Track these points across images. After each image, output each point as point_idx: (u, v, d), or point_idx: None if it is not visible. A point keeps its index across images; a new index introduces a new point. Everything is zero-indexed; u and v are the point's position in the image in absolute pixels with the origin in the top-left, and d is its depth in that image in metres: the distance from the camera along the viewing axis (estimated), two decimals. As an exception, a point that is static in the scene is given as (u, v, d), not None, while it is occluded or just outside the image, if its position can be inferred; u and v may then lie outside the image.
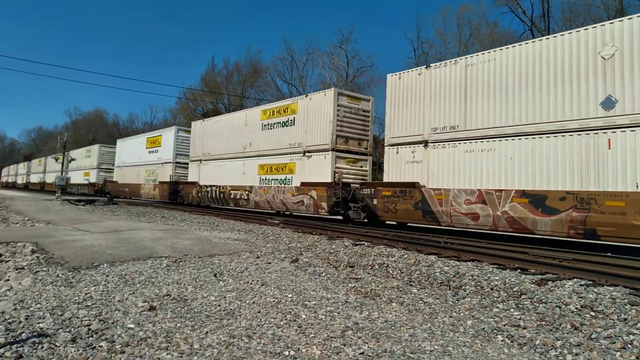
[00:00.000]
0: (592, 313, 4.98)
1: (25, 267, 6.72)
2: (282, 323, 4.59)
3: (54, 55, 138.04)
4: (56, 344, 3.75)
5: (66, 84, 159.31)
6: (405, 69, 13.19)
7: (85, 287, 5.73)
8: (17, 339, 3.78)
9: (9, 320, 4.27)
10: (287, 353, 3.78)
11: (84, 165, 41.69)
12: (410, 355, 3.83)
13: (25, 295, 5.23)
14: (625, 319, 4.72)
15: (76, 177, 43.22)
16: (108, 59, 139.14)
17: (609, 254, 8.44)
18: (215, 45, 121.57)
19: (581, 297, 5.42)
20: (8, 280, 6.16)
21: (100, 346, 3.75)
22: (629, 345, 4.12)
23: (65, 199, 24.87)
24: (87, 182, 40.59)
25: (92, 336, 3.98)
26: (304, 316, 4.83)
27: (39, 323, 4.24)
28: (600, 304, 5.16)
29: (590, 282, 6.16)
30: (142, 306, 4.94)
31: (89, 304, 4.94)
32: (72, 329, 4.11)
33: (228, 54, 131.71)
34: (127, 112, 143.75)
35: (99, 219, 15.08)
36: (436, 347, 4.09)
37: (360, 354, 3.81)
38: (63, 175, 29.97)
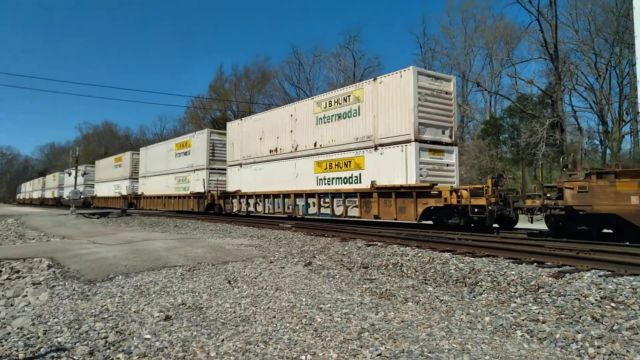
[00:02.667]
0: (613, 304, 4.89)
1: (42, 282, 6.79)
2: (297, 327, 4.58)
3: (63, 72, 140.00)
4: (74, 357, 3.77)
5: (76, 99, 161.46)
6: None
7: (101, 299, 5.77)
8: (36, 354, 3.81)
9: (28, 336, 4.31)
10: (303, 357, 3.77)
11: (286, 150, 19.29)
12: (429, 354, 3.79)
13: (42, 310, 5.28)
14: (647, 309, 4.62)
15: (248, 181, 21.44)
16: (116, 73, 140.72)
17: (627, 243, 8.30)
18: (223, 54, 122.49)
19: (600, 288, 5.33)
20: (26, 295, 6.23)
21: (118, 358, 3.77)
22: (652, 336, 4.03)
23: (80, 213, 25.17)
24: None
25: (109, 348, 4.00)
26: (319, 319, 4.81)
27: (56, 337, 4.27)
28: (621, 295, 5.06)
29: (609, 273, 6.04)
30: (157, 316, 4.96)
31: (106, 316, 4.98)
32: (90, 342, 4.13)
33: (236, 62, 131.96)
34: (137, 124, 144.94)
35: (113, 231, 15.22)
36: (454, 345, 4.04)
37: (377, 355, 3.78)
38: (77, 190, 30.34)
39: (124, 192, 35.15)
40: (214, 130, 25.58)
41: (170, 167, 28.09)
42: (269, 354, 3.85)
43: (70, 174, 39.62)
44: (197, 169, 24.75)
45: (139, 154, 34.04)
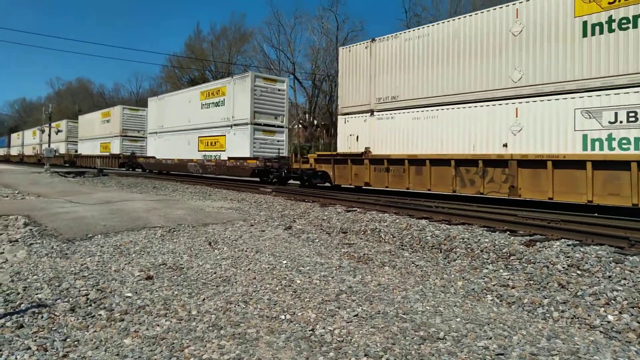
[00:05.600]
0: (579, 272, 5.14)
1: (19, 240, 6.72)
2: (277, 288, 4.69)
3: (33, 24, 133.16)
4: (55, 313, 3.81)
5: (47, 52, 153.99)
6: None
7: (81, 258, 5.77)
8: (17, 310, 3.83)
9: (7, 292, 4.31)
10: (283, 317, 3.88)
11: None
12: (403, 316, 3.95)
13: (21, 267, 5.26)
14: (609, 277, 4.88)
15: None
16: (89, 27, 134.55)
17: (596, 214, 8.63)
18: (199, 11, 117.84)
19: (568, 257, 5.58)
20: (2, 252, 6.17)
21: (100, 315, 3.82)
22: (612, 301, 4.28)
23: (55, 171, 24.64)
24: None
25: (90, 305, 4.04)
26: (298, 281, 4.93)
27: (37, 294, 4.28)
28: (587, 263, 5.32)
29: (577, 242, 6.31)
30: (138, 275, 5.01)
31: (86, 274, 4.99)
32: (71, 299, 4.16)
33: (213, 19, 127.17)
34: (111, 82, 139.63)
35: (90, 190, 15.01)
36: (428, 307, 4.22)
37: (354, 316, 3.92)
38: (51, 147, 29.58)
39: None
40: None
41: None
42: (249, 313, 3.96)
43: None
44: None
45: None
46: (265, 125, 19.11)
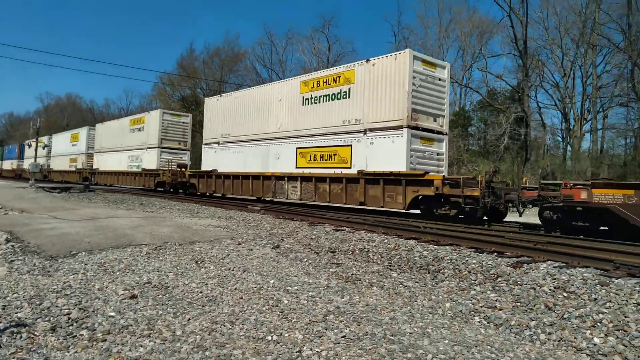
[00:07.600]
0: (565, 294, 5.16)
1: (0, 257, 6.57)
2: (264, 309, 4.63)
3: (23, 38, 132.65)
4: (35, 333, 3.71)
5: (37, 67, 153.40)
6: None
7: (64, 275, 5.64)
8: (-5, 329, 3.72)
9: (-15, 311, 4.19)
10: (269, 338, 3.83)
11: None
12: (391, 337, 3.92)
13: (1, 284, 5.12)
14: (595, 299, 4.90)
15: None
16: (81, 43, 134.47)
17: (581, 237, 8.72)
18: (193, 30, 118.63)
19: (554, 279, 5.61)
20: (-18, 270, 6.02)
21: (81, 335, 3.73)
22: (598, 324, 4.30)
23: (40, 187, 24.28)
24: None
25: (72, 325, 3.94)
26: (286, 301, 4.88)
27: (16, 312, 4.17)
28: (573, 285, 5.34)
29: (564, 264, 6.36)
30: (122, 294, 4.91)
31: (68, 292, 4.88)
32: (52, 318, 4.06)
33: (205, 39, 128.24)
34: (102, 98, 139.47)
35: (75, 206, 14.78)
36: (416, 329, 4.20)
37: (342, 337, 3.88)
38: (37, 163, 29.24)
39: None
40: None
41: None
42: (235, 334, 3.89)
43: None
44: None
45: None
46: (424, 130, 12.83)
